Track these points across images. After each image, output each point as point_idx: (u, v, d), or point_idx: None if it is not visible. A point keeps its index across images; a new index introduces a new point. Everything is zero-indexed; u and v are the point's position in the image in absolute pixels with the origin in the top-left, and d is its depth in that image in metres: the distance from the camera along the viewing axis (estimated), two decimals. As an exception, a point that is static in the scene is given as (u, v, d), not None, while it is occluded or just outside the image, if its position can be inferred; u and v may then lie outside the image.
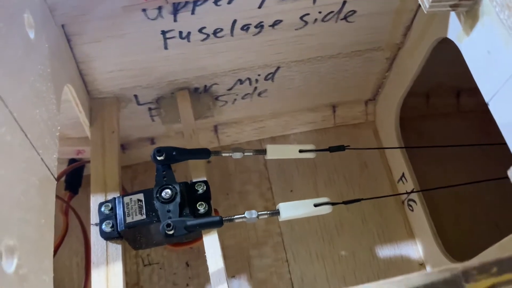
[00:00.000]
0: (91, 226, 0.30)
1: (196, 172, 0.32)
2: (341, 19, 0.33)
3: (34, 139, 0.20)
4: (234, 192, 0.40)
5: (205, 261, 0.28)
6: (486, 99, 0.26)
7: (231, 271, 0.37)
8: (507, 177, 0.27)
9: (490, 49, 0.25)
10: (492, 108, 0.26)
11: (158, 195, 0.28)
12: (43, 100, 0.22)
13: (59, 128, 0.25)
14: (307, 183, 0.41)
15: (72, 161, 0.39)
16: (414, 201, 0.37)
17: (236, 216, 0.28)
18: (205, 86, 0.36)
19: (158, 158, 0.29)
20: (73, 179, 0.39)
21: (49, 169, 0.22)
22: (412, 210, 0.38)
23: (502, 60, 0.24)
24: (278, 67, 0.36)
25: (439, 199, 0.38)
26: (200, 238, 0.30)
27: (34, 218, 0.19)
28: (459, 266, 0.18)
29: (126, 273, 0.35)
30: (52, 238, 0.21)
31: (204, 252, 0.28)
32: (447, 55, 0.34)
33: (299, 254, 0.38)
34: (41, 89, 0.22)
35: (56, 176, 0.24)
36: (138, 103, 0.37)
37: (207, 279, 0.37)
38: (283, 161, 0.42)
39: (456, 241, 0.36)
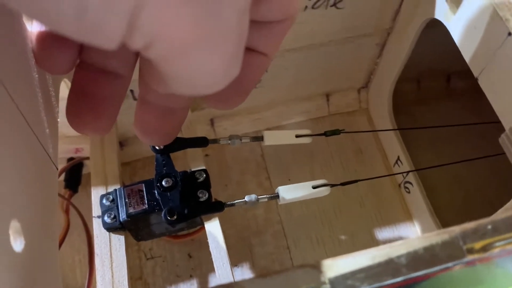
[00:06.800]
0: (93, 219, 0.30)
1: (194, 163, 0.32)
2: (331, 6, 0.33)
3: (34, 126, 0.21)
4: (232, 183, 0.41)
5: (207, 252, 0.28)
6: (475, 74, 0.27)
7: (234, 260, 0.37)
8: (498, 154, 0.28)
9: (477, 24, 0.26)
10: (481, 82, 0.27)
11: (158, 184, 0.29)
12: (43, 92, 0.23)
13: (58, 120, 0.25)
14: (304, 171, 0.41)
15: (71, 160, 0.40)
16: (411, 183, 0.38)
17: (237, 201, 0.29)
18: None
19: (157, 148, 0.29)
20: (73, 177, 0.39)
21: (50, 157, 0.23)
22: (409, 192, 0.39)
23: (488, 34, 0.25)
24: (271, 57, 0.37)
25: (435, 180, 0.39)
26: (202, 228, 0.30)
27: (36, 204, 0.20)
28: (456, 228, 0.19)
29: (129, 267, 0.35)
30: (56, 223, 0.21)
31: (206, 243, 0.29)
32: (435, 39, 0.35)
33: (299, 240, 0.38)
34: (41, 80, 0.22)
35: (57, 167, 0.24)
36: (134, 98, 0.37)
37: (209, 269, 0.37)
38: (280, 150, 0.42)
39: (453, 220, 0.37)
